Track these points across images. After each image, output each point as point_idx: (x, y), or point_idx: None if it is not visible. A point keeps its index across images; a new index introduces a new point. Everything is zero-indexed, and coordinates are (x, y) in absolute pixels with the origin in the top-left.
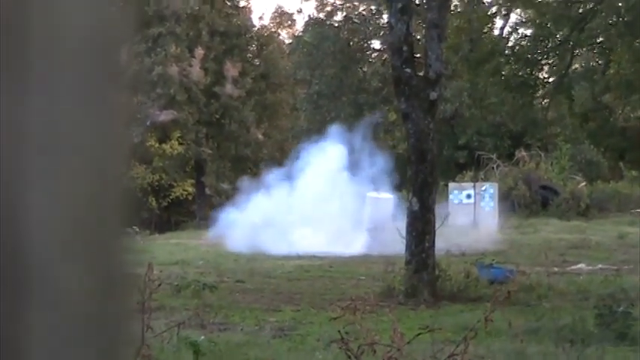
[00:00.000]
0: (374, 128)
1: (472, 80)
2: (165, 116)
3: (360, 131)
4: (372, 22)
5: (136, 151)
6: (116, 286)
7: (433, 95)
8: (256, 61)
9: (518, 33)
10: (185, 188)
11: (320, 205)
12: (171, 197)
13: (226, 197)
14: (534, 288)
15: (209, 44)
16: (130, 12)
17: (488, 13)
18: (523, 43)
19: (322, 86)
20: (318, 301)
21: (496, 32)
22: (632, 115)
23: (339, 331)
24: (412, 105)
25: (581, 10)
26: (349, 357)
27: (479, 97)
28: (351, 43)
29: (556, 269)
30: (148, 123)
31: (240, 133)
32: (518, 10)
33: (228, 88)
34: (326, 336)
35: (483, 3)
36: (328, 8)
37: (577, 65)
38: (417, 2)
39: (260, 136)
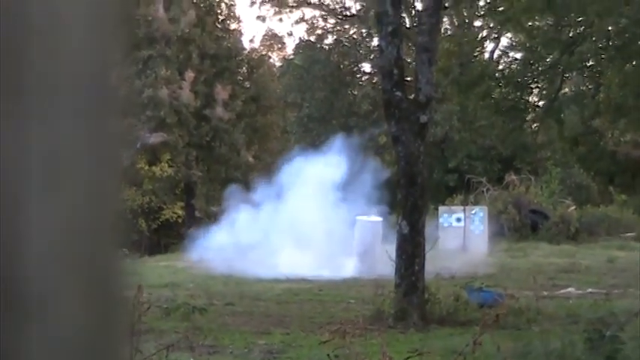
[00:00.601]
0: (364, 151)
1: (462, 103)
2: (155, 139)
3: (350, 154)
4: (362, 45)
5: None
6: (111, 310)
7: (423, 118)
8: (247, 84)
9: (509, 56)
10: (175, 211)
11: (309, 228)
12: (161, 220)
13: (216, 220)
14: (524, 312)
15: (199, 67)
16: (123, 34)
17: (479, 37)
18: (513, 66)
19: (312, 109)
20: (308, 324)
21: (486, 56)
22: (621, 139)
23: (328, 355)
24: (402, 128)
25: (571, 34)
26: None
27: (469, 120)
28: (342, 66)
29: (545, 293)
30: (138, 145)
31: (230, 155)
32: (508, 34)
33: (219, 110)
34: (315, 359)
35: (474, 27)
36: (319, 31)
37: (567, 89)
38: (408, 26)
39: (250, 159)
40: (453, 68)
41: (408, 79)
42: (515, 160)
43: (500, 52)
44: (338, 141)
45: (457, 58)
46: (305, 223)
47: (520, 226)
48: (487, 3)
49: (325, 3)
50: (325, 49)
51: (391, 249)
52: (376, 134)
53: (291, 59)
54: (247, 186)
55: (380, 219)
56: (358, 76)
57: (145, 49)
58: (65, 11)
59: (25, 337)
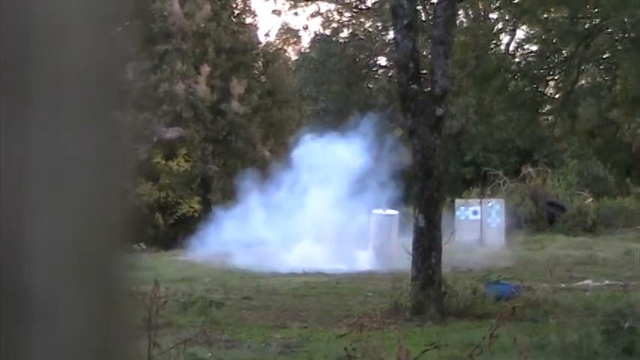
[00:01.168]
0: (380, 144)
1: (478, 96)
2: (171, 133)
3: (366, 147)
4: (378, 38)
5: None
6: (120, 304)
7: (439, 111)
8: (262, 78)
9: (525, 49)
10: (191, 205)
11: (325, 221)
12: (177, 214)
13: (232, 214)
14: (541, 304)
15: (215, 61)
16: (135, 30)
17: (494, 30)
18: (529, 59)
19: (328, 103)
20: (325, 317)
21: (502, 48)
22: (638, 131)
23: (345, 348)
24: (418, 121)
25: (587, 26)
26: None
27: (485, 113)
28: (357, 60)
29: (563, 285)
30: (154, 140)
31: (246, 150)
32: (524, 26)
33: (235, 105)
34: (333, 353)
35: (489, 19)
36: (334, 25)
37: (583, 81)
38: (423, 19)
39: (267, 153)
40: (469, 61)
41: (424, 72)
42: (532, 152)
43: (516, 45)
44: (353, 134)
45: (473, 51)
46: (321, 216)
47: (537, 218)
48: None
49: None
50: (341, 42)
51: (407, 242)
52: (392, 127)
53: (307, 53)
54: (263, 180)
55: (396, 212)
56: (374, 69)
57: (161, 44)
58: (73, 9)
59: (32, 336)
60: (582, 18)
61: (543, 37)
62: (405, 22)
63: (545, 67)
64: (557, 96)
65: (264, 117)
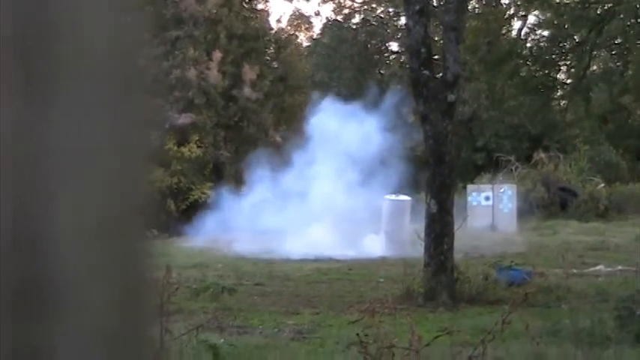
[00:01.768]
0: (392, 130)
1: (490, 82)
2: (183, 119)
3: (378, 132)
4: (389, 24)
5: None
6: (138, 291)
7: (451, 97)
8: (274, 64)
9: (536, 34)
10: (204, 191)
11: (337, 207)
12: (189, 200)
13: (245, 200)
14: (553, 290)
15: (227, 47)
16: (148, 15)
17: (506, 15)
18: (541, 44)
19: (340, 88)
20: (337, 303)
21: (514, 33)
22: None
23: (357, 334)
24: (430, 107)
25: (599, 12)
26: None
27: (497, 98)
28: (369, 46)
29: (575, 271)
30: (166, 126)
31: (258, 135)
32: (536, 12)
33: (246, 91)
34: (345, 339)
35: (501, 4)
36: (346, 11)
37: (595, 67)
38: (435, 4)
39: (278, 139)
40: (481, 46)
41: (436, 57)
42: (543, 138)
43: (527, 30)
44: (366, 119)
45: (485, 37)
46: (333, 202)
47: (549, 204)
48: None
49: None
50: (353, 28)
51: (419, 228)
52: (404, 113)
53: (319, 39)
54: (275, 166)
55: (408, 198)
56: (386, 55)
57: (173, 30)
58: None
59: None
60: (594, 3)
61: (555, 22)
62: (417, 7)
63: (557, 52)
64: (568, 81)
65: (276, 103)
